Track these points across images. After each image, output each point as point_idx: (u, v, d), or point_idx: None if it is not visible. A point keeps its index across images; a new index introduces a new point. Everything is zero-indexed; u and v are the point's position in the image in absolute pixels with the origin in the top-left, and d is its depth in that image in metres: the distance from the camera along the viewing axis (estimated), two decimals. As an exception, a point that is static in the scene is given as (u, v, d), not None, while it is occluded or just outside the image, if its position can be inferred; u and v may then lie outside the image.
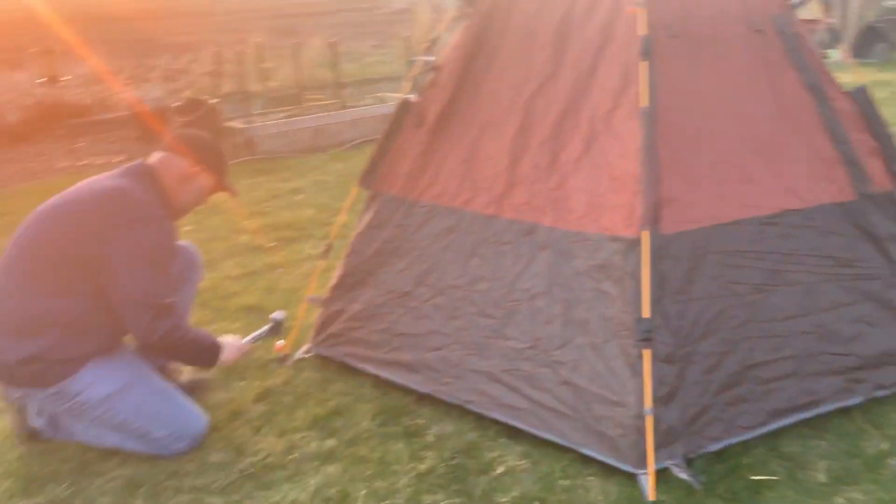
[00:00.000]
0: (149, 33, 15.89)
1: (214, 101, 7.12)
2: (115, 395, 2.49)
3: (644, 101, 2.45)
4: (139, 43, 14.05)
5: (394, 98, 3.13)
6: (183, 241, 2.96)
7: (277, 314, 3.02)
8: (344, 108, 7.56)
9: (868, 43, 11.27)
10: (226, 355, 2.69)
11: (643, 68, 2.47)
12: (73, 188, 2.59)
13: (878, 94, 8.12)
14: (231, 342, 2.74)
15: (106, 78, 9.94)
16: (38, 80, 7.06)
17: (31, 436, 2.67)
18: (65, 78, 5.51)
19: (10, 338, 2.43)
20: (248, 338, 2.92)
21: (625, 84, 2.57)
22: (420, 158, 2.99)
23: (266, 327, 2.99)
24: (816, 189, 2.70)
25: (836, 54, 11.33)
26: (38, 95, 8.70)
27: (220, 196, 5.52)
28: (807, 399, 2.50)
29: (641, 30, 2.51)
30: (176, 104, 7.84)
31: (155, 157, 2.69)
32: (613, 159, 2.53)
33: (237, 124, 7.08)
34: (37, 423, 2.64)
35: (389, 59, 12.39)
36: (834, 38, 11.74)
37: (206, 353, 2.64)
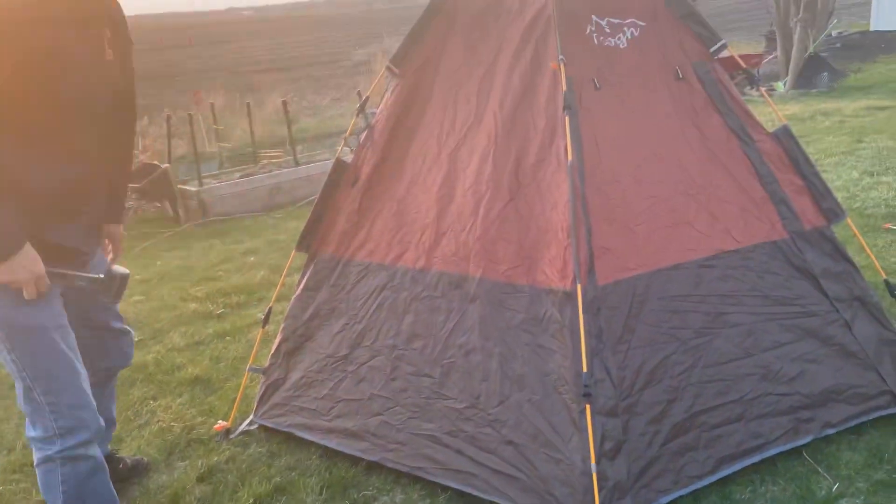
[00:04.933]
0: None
1: (166, 165, 7.06)
2: None
3: (569, 155, 2.46)
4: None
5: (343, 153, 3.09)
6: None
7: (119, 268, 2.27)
8: (297, 164, 7.53)
9: (812, 73, 11.58)
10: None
11: (566, 123, 2.49)
12: None
13: (823, 124, 8.34)
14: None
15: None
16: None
17: None
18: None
19: None
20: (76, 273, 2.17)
21: (551, 138, 2.58)
22: (354, 216, 2.96)
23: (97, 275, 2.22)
24: (750, 229, 2.71)
25: (781, 87, 11.68)
26: None
27: (171, 264, 5.48)
28: (755, 443, 2.47)
29: (563, 85, 2.53)
30: (129, 170, 7.77)
31: None
32: (542, 212, 2.52)
33: (190, 187, 7.01)
34: None
35: (348, 113, 12.48)
36: (778, 70, 12.10)
37: None
